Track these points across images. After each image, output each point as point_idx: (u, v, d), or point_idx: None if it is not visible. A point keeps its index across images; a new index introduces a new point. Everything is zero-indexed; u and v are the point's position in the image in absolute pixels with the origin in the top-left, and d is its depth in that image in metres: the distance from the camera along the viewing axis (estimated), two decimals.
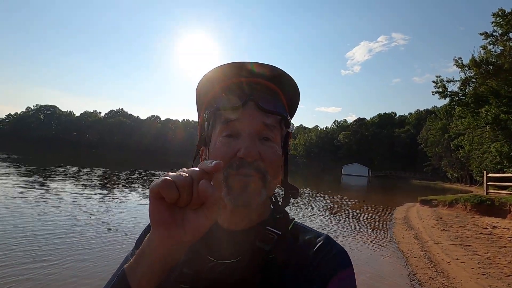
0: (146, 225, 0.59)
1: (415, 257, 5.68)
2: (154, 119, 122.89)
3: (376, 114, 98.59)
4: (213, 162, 0.39)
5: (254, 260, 0.50)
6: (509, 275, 4.59)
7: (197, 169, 0.39)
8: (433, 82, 26.99)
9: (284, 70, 0.56)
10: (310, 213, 10.66)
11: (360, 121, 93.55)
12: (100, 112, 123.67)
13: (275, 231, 0.53)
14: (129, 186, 13.97)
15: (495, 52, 23.04)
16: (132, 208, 8.97)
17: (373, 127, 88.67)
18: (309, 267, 0.51)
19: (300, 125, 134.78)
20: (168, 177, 0.37)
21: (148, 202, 0.39)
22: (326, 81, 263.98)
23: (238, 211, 0.54)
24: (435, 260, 5.40)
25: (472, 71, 23.67)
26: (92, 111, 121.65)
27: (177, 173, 0.39)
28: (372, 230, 8.40)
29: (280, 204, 0.59)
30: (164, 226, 0.39)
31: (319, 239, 0.55)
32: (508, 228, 7.76)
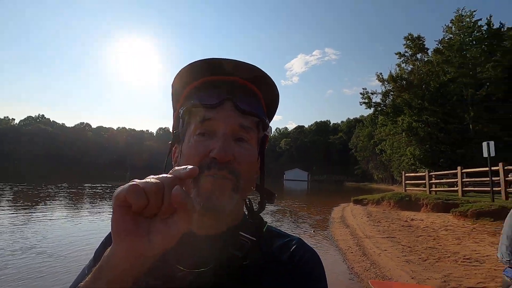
0: (105, 236, 0.55)
1: (352, 252, 6.21)
2: (83, 126, 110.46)
3: (313, 122, 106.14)
4: (187, 167, 0.36)
5: (227, 267, 0.48)
6: (425, 260, 5.33)
7: (168, 175, 0.36)
8: (360, 93, 30.37)
9: (265, 72, 0.54)
10: None
11: (299, 128, 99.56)
12: (13, 119, 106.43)
13: (249, 236, 0.51)
14: (49, 203, 12.24)
15: (407, 69, 27.10)
16: (65, 227, 7.87)
17: (311, 134, 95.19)
18: (283, 271, 0.51)
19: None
20: (136, 183, 0.33)
21: (110, 212, 0.35)
22: None
23: (208, 215, 0.51)
24: (368, 253, 5.98)
25: (390, 85, 27.40)
26: (3, 117, 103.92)
27: (145, 179, 0.35)
28: (313, 230, 8.93)
29: (255, 209, 0.57)
30: (129, 237, 0.34)
31: (292, 243, 0.55)
32: (423, 220, 9.06)
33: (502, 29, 28.23)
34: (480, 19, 25.34)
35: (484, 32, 25.55)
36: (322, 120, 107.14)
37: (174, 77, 0.56)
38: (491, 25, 26.23)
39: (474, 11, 25.22)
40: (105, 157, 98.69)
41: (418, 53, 26.89)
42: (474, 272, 4.55)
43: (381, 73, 28.28)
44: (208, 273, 0.48)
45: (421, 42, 26.76)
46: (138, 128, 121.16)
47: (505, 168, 9.62)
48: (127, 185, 0.33)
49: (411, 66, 26.99)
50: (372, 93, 29.93)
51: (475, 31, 25.29)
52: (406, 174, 17.18)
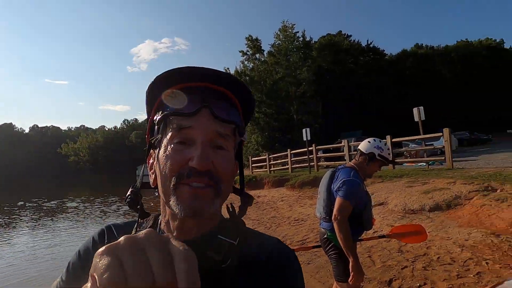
0: (79, 247, 0.55)
1: None
2: None
3: None
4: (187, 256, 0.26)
5: (205, 271, 0.44)
6: (269, 228, 6.45)
7: (159, 253, 0.26)
8: None
9: (240, 80, 0.55)
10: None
11: None
12: None
13: (227, 239, 0.51)
14: None
15: (249, 67, 30.81)
16: None
17: None
18: (261, 272, 0.51)
19: (81, 126, 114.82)
20: (117, 272, 0.24)
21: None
22: (111, 76, 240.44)
23: (188, 220, 0.50)
24: None
25: None
26: None
27: (135, 261, 0.25)
28: None
29: (236, 212, 0.57)
30: None
31: (269, 242, 0.56)
32: (266, 195, 10.84)
33: (311, 41, 37.02)
34: (298, 31, 32.14)
35: (300, 42, 32.64)
36: None
37: (148, 85, 0.53)
38: (304, 37, 33.86)
39: (294, 24, 31.67)
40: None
41: (257, 53, 31.10)
42: (301, 229, 5.94)
43: (228, 68, 30.89)
44: None
45: (259, 44, 31.06)
46: None
47: (316, 148, 13.03)
48: (105, 268, 0.24)
49: (252, 64, 30.93)
50: None
51: (295, 41, 31.87)
52: (252, 158, 19.87)
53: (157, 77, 0.53)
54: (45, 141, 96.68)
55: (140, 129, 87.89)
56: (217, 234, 0.52)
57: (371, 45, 39.58)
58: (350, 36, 40.40)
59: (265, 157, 17.36)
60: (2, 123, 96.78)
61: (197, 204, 0.47)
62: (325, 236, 2.16)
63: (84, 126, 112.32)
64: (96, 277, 0.25)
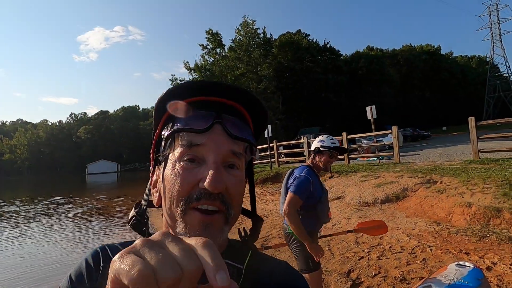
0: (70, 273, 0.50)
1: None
2: None
3: (120, 107, 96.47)
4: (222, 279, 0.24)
5: None
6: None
7: (189, 255, 0.25)
8: (170, 79, 30.64)
9: (255, 95, 0.51)
10: (47, 227, 8.62)
11: (103, 114, 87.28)
12: None
13: (235, 264, 0.48)
14: None
15: (209, 61, 30.17)
16: None
17: (118, 121, 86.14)
18: None
19: (18, 120, 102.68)
20: (145, 266, 0.23)
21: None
22: (54, 65, 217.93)
23: None
24: None
25: (196, 74, 29.55)
26: None
27: (158, 257, 0.23)
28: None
29: (248, 234, 0.54)
30: None
31: (279, 267, 0.54)
32: None
33: (272, 39, 37.48)
34: (259, 28, 32.29)
35: (261, 39, 32.86)
36: (130, 105, 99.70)
37: (158, 97, 0.49)
38: (265, 34, 34.16)
39: (255, 21, 31.74)
40: None
41: (218, 48, 30.59)
42: (263, 225, 6.00)
43: (187, 62, 30.03)
44: None
45: (219, 38, 30.58)
46: None
47: (277, 144, 13.27)
48: (132, 264, 0.23)
49: (213, 59, 30.36)
50: (180, 80, 31.12)
51: (256, 37, 31.99)
52: None
53: (168, 90, 0.49)
54: None
55: (90, 123, 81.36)
56: (225, 259, 0.48)
57: (328, 45, 41.38)
58: (309, 35, 41.76)
59: None
60: None
61: (207, 234, 0.44)
62: (287, 231, 2.27)
63: (22, 120, 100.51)
64: (123, 276, 0.23)
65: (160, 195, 0.50)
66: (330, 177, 2.75)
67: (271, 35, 36.31)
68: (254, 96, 0.51)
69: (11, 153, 77.74)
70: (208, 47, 30.43)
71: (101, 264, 0.51)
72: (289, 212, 2.09)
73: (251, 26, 31.30)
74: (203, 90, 0.49)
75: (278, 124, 29.79)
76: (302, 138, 12.84)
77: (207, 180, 0.43)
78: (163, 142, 0.50)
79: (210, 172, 0.44)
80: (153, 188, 0.53)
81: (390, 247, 3.79)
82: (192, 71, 29.58)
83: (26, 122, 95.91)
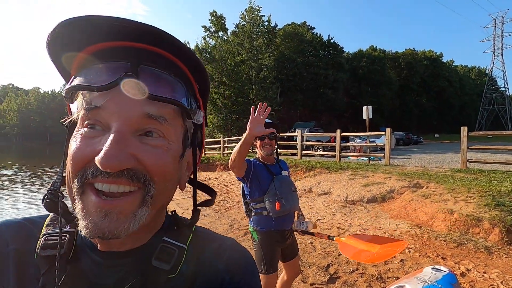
0: None
1: None
2: None
3: None
4: None
5: (152, 284, 0.38)
6: (218, 211, 6.45)
7: None
8: None
9: (186, 45, 0.39)
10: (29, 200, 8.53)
11: None
12: None
13: (176, 243, 0.42)
14: None
15: (211, 44, 29.59)
16: None
17: None
18: (220, 281, 0.43)
19: (9, 84, 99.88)
20: None
21: None
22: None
23: (101, 241, 0.40)
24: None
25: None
26: None
27: None
28: None
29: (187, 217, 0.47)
30: None
31: (226, 246, 0.47)
32: (217, 178, 10.77)
33: (276, 28, 36.90)
34: (264, 15, 31.67)
35: (265, 27, 32.30)
36: None
37: (47, 39, 0.36)
38: (270, 23, 33.57)
39: (261, 7, 31.07)
40: None
41: (220, 31, 29.96)
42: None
43: (188, 42, 29.29)
44: None
45: (223, 21, 29.90)
46: None
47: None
48: None
49: (214, 42, 29.77)
50: None
51: (260, 24, 31.41)
52: (206, 140, 19.50)
53: (60, 25, 0.35)
54: None
55: None
56: (163, 237, 0.42)
57: (332, 41, 41.00)
58: (314, 28, 41.27)
59: (219, 139, 17.16)
60: None
61: (106, 223, 0.34)
62: (249, 229, 2.16)
63: (13, 85, 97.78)
64: None
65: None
66: (275, 162, 2.29)
67: (275, 24, 35.72)
68: (186, 47, 0.39)
69: (1, 117, 75.92)
70: (210, 29, 29.79)
71: None
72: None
73: (256, 13, 30.67)
74: (117, 31, 0.36)
75: (274, 115, 29.68)
76: (296, 131, 12.84)
77: (99, 155, 0.33)
78: (67, 103, 0.40)
79: (105, 144, 0.34)
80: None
81: None
82: None
83: (17, 87, 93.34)
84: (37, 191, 9.87)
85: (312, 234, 2.25)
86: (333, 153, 10.91)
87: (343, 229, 4.55)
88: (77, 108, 0.38)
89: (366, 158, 10.79)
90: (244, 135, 1.69)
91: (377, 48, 49.89)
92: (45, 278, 0.37)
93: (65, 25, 0.35)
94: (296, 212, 2.27)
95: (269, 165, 2.11)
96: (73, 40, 0.36)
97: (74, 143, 0.36)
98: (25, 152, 35.97)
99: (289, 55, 36.57)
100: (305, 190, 7.20)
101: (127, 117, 0.36)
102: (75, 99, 0.37)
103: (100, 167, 0.33)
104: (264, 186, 2.01)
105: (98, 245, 0.41)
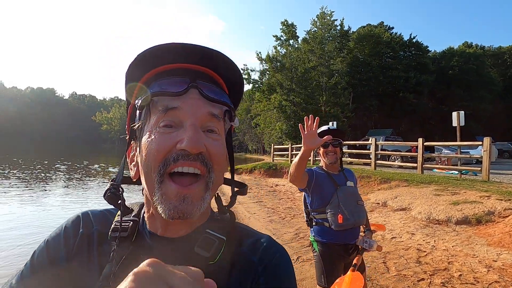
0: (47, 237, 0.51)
1: None
2: None
3: None
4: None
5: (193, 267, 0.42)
6: (284, 218, 6.43)
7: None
8: (241, 69, 31.65)
9: (230, 58, 0.49)
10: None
11: None
12: None
13: (217, 235, 0.47)
14: None
15: (281, 52, 30.11)
16: None
17: None
18: (254, 273, 0.48)
19: (115, 97, 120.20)
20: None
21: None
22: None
23: (175, 222, 0.46)
24: (240, 218, 6.65)
25: (267, 64, 29.87)
26: None
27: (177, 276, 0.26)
28: None
29: (224, 203, 0.54)
30: None
31: (261, 241, 0.52)
32: (284, 185, 10.77)
33: (349, 31, 35.33)
34: (336, 20, 30.72)
35: (338, 31, 31.25)
36: None
37: (128, 66, 0.47)
38: (343, 26, 32.35)
39: (333, 11, 30.24)
40: None
41: (291, 39, 30.26)
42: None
43: (260, 52, 30.42)
44: None
45: (294, 29, 30.14)
46: None
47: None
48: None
49: (285, 50, 30.19)
50: (251, 70, 31.95)
51: (332, 29, 30.54)
52: (275, 146, 19.77)
53: (137, 56, 0.46)
54: (82, 108, 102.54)
55: None
56: (206, 229, 0.48)
57: (414, 40, 37.00)
58: (392, 28, 38.02)
59: (288, 146, 17.18)
60: (46, 87, 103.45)
61: (185, 206, 0.42)
62: (310, 239, 2.08)
63: (117, 97, 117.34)
64: None
65: (138, 168, 0.49)
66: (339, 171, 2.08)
67: (349, 27, 34.27)
68: (229, 61, 0.49)
69: (108, 124, 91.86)
70: (281, 38, 30.33)
71: (80, 230, 0.51)
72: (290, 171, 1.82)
73: (328, 18, 29.96)
74: (177, 56, 0.47)
75: (345, 122, 28.26)
76: (370, 140, 11.93)
77: (185, 140, 0.42)
78: (137, 112, 0.48)
79: (188, 132, 0.43)
80: (131, 163, 0.52)
81: (460, 275, 3.28)
82: (263, 62, 29.99)
83: (121, 99, 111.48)
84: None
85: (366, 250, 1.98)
86: (414, 164, 9.74)
87: (424, 251, 3.99)
88: (142, 117, 0.47)
89: (456, 172, 9.29)
90: (301, 149, 1.67)
91: (473, 44, 42.85)
92: (114, 253, 0.46)
93: (153, 51, 0.46)
94: (362, 226, 2.10)
95: (333, 174, 2.01)
96: (148, 61, 0.47)
97: (153, 140, 0.44)
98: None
99: (364, 59, 34.41)
100: (378, 203, 6.60)
101: (197, 115, 0.45)
102: (143, 107, 0.46)
103: (187, 148, 0.42)
104: (327, 197, 1.91)
105: (159, 231, 0.49)
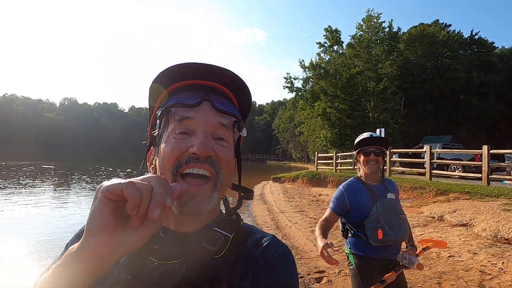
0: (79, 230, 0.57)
1: (267, 227, 6.74)
2: None
3: None
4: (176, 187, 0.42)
5: (199, 260, 0.49)
6: (335, 229, 6.20)
7: (154, 179, 0.39)
8: (284, 78, 31.83)
9: (240, 77, 0.57)
10: None
11: None
12: None
13: (223, 232, 0.53)
14: None
15: (325, 59, 29.56)
16: None
17: None
18: (255, 266, 0.52)
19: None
20: (132, 180, 0.37)
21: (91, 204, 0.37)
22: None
23: (186, 217, 0.53)
24: (281, 226, 6.59)
25: (310, 72, 29.51)
26: None
27: (135, 179, 0.38)
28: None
29: (231, 205, 0.59)
30: (103, 234, 0.36)
31: (265, 239, 0.57)
32: (328, 194, 10.41)
33: (399, 32, 33.29)
34: (384, 21, 29.25)
35: (386, 33, 29.67)
36: None
37: (152, 81, 0.55)
38: (391, 28, 30.63)
39: (380, 13, 28.90)
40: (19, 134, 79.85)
41: (335, 45, 29.55)
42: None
43: (303, 60, 30.21)
44: (179, 265, 0.50)
45: (338, 35, 29.39)
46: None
47: (391, 150, 11.84)
48: (123, 181, 0.36)
49: (329, 57, 29.57)
50: (294, 78, 31.87)
51: (380, 32, 29.12)
52: (319, 154, 19.28)
53: (160, 73, 0.54)
54: (139, 120, 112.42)
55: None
56: (214, 227, 0.54)
57: (476, 37, 33.38)
58: (449, 25, 34.97)
59: (332, 154, 16.61)
60: (110, 102, 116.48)
61: (194, 203, 0.48)
62: (345, 251, 1.99)
63: None
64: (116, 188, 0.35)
65: (155, 170, 0.55)
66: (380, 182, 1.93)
67: (398, 28, 32.33)
68: (240, 80, 0.56)
69: None
70: (325, 44, 29.79)
71: None
72: (317, 225, 1.85)
73: (375, 20, 28.69)
74: (193, 74, 0.54)
75: (396, 128, 26.41)
76: (425, 147, 10.95)
77: (196, 144, 0.48)
78: (157, 121, 0.55)
79: (199, 138, 0.49)
80: (150, 166, 0.58)
81: None
82: (306, 69, 29.71)
83: None
84: None
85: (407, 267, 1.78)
86: (478, 175, 8.67)
87: (490, 274, 3.50)
88: (161, 125, 0.54)
89: None
90: (318, 238, 1.71)
91: None
92: None
93: (175, 68, 0.53)
94: (405, 241, 1.93)
95: (371, 185, 1.89)
96: (172, 78, 0.55)
97: (169, 144, 0.51)
98: None
99: (416, 60, 32.02)
100: (433, 217, 6.00)
101: (209, 124, 0.51)
102: (163, 117, 0.54)
103: (197, 152, 0.48)
104: (365, 211, 1.80)
105: (171, 226, 0.55)
